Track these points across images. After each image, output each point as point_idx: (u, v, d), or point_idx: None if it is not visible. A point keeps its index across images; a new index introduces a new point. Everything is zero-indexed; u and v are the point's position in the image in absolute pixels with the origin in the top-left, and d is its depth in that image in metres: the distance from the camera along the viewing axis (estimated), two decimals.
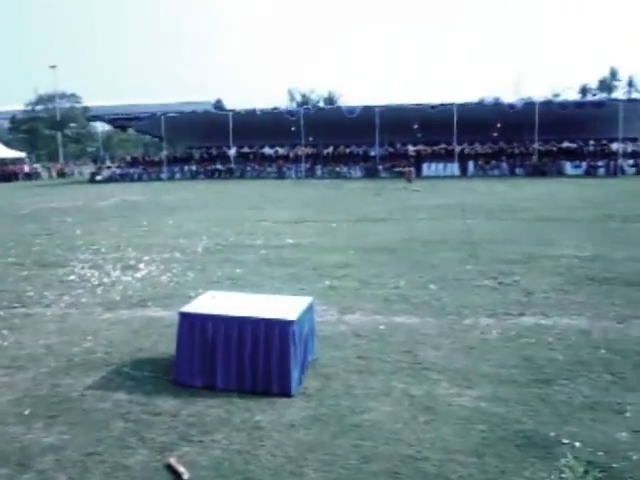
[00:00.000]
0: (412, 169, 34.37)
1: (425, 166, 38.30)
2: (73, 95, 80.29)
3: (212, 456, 3.98)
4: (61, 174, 50.26)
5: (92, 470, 3.85)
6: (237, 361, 4.93)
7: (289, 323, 4.83)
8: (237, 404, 4.73)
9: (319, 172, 39.18)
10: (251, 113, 39.02)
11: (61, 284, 9.09)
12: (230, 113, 40.06)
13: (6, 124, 76.38)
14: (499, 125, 38.96)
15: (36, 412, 4.70)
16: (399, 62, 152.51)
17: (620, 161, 34.93)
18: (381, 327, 6.58)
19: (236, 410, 4.63)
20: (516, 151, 39.28)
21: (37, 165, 57.70)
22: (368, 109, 36.91)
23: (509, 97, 61.76)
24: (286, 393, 4.82)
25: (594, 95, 75.60)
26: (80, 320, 7.18)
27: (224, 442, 4.15)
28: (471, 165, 38.08)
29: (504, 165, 37.62)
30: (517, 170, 36.82)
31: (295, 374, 4.90)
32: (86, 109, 76.46)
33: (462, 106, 36.23)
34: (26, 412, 4.70)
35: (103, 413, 4.65)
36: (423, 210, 17.84)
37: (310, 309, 5.45)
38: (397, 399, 4.78)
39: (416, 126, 39.93)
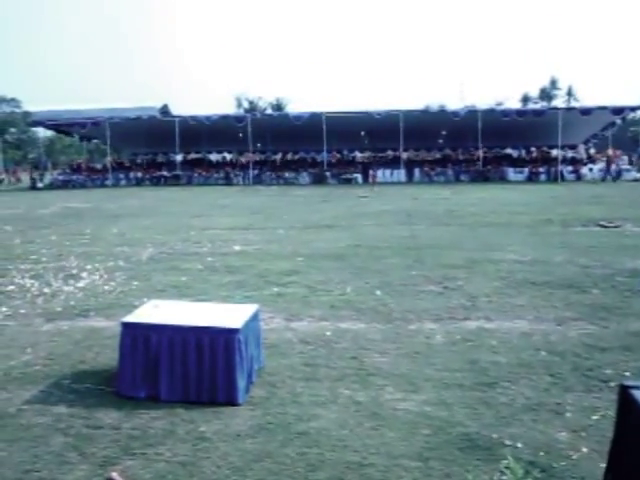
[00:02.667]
0: (375, 173, 34.90)
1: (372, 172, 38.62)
2: (13, 100, 78.10)
3: (155, 469, 3.91)
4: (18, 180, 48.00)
5: None
6: (182, 371, 4.86)
7: (234, 331, 4.79)
8: (181, 415, 4.67)
9: (267, 179, 39.06)
10: (198, 119, 38.66)
11: None
12: (176, 119, 39.60)
13: None
14: (444, 132, 39.63)
15: None
16: (346, 69, 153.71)
17: (560, 167, 35.94)
18: (327, 334, 6.60)
19: (180, 421, 4.57)
20: (461, 157, 40.00)
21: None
22: (315, 116, 37.02)
23: (454, 105, 63.02)
24: (232, 402, 4.78)
25: (535, 103, 77.78)
26: (18, 332, 6.96)
27: (168, 454, 4.09)
28: (417, 171, 38.59)
29: (449, 171, 38.26)
30: (462, 176, 37.51)
31: (241, 383, 4.86)
32: (27, 114, 74.46)
33: (408, 113, 36.69)
34: None
35: (42, 428, 4.51)
36: (370, 216, 17.98)
37: (256, 317, 5.42)
38: (343, 405, 4.79)
39: (363, 133, 40.25)
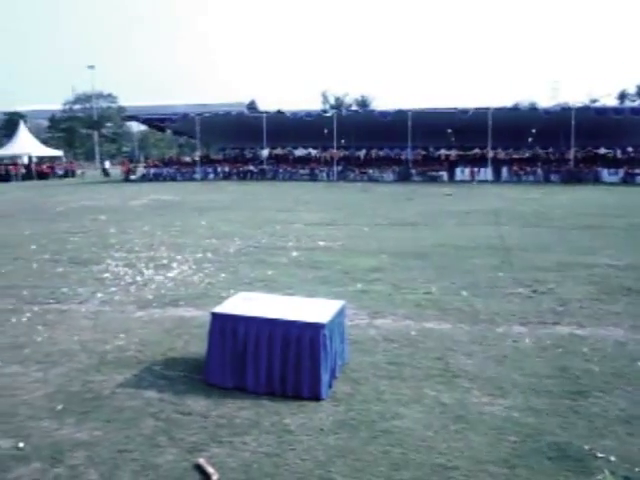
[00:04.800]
0: (475, 170, 34.71)
1: (458, 171, 37.97)
2: (110, 95, 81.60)
3: (241, 458, 3.98)
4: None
5: (122, 468, 3.88)
6: (267, 363, 4.93)
7: (320, 326, 4.81)
8: (267, 407, 4.73)
9: (351, 175, 39.12)
10: (285, 115, 39.15)
11: (95, 281, 9.21)
12: (264, 115, 40.24)
13: (45, 123, 77.79)
14: (534, 130, 38.45)
15: (69, 408, 4.75)
16: (434, 65, 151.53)
17: None
18: (412, 333, 6.53)
19: (265, 413, 4.63)
20: (551, 157, 38.75)
21: (107, 162, 58.60)
22: (401, 113, 36.71)
23: (545, 102, 60.99)
24: (316, 397, 4.81)
25: (632, 101, 74.15)
26: (113, 318, 7.26)
27: (253, 444, 4.15)
28: (505, 170, 37.63)
29: (539, 171, 37.09)
30: (552, 176, 36.28)
31: (325, 378, 4.88)
32: (122, 109, 77.62)
33: (497, 110, 35.81)
34: (59, 407, 4.76)
35: (134, 411, 4.68)
36: (455, 215, 17.69)
37: (341, 313, 5.43)
38: (428, 406, 4.73)
39: (449, 130, 39.64)
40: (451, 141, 41.85)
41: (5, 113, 72.98)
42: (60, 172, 51.96)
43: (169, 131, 50.50)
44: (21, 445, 4.16)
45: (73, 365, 5.71)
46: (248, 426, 4.42)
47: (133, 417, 4.58)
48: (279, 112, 39.38)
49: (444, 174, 37.59)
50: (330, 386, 5.02)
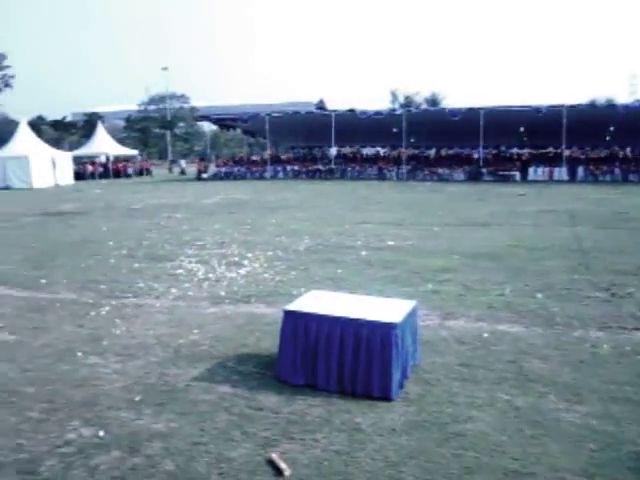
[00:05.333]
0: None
1: (531, 170, 37.01)
2: (182, 96, 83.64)
3: (313, 455, 4.01)
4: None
5: (197, 459, 3.97)
6: (338, 362, 4.94)
7: (392, 326, 4.79)
8: (337, 405, 4.75)
9: (420, 174, 38.74)
10: (353, 114, 39.14)
11: (170, 277, 9.47)
12: (332, 114, 40.34)
13: (121, 123, 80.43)
14: (612, 128, 37.07)
15: (146, 399, 4.91)
16: (507, 62, 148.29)
17: None
18: (485, 335, 6.41)
19: (336, 411, 4.65)
20: (630, 156, 37.26)
21: (183, 161, 60.49)
22: (472, 111, 36.09)
23: (623, 99, 58.71)
24: (387, 397, 4.79)
25: None
26: (187, 313, 7.45)
27: (324, 442, 4.17)
28: (581, 170, 36.41)
29: (617, 170, 35.70)
30: (631, 176, 34.85)
31: (396, 378, 4.86)
32: (194, 109, 79.42)
33: (572, 108, 34.70)
34: (136, 399, 4.92)
35: (208, 405, 4.79)
36: (529, 216, 17.26)
37: (413, 313, 5.39)
38: (502, 410, 4.64)
39: (522, 129, 38.69)
40: (523, 140, 40.83)
41: (85, 114, 75.84)
42: (134, 171, 53.60)
43: (239, 130, 51.34)
44: (101, 434, 4.32)
45: (150, 358, 5.88)
46: (319, 424, 4.44)
47: (207, 410, 4.69)
48: (350, 111, 39.37)
49: (516, 174, 36.71)
50: (401, 386, 4.99)
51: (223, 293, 8.39)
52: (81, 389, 5.14)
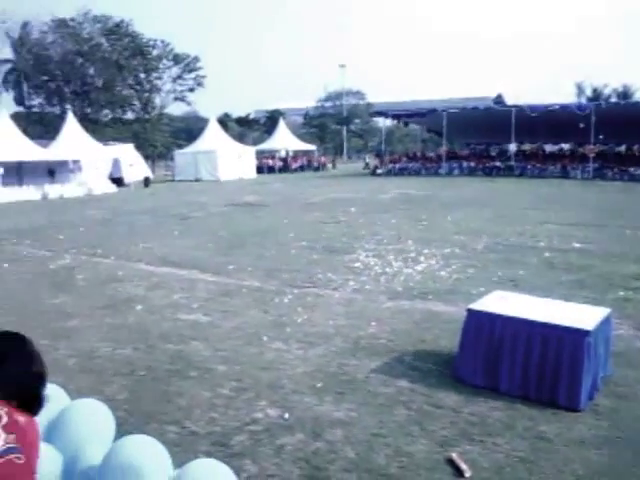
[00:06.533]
0: None
1: None
2: (358, 92, 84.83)
3: (494, 459, 3.89)
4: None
5: (377, 450, 4.01)
6: (523, 366, 4.76)
7: (585, 333, 4.51)
8: (520, 410, 4.57)
9: (609, 173, 36.04)
10: (536, 109, 37.33)
11: (347, 270, 9.68)
12: (513, 109, 38.79)
13: (300, 119, 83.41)
14: None
15: (327, 387, 5.05)
16: None
17: None
18: None
19: (519, 416, 4.47)
20: None
21: (367, 156, 61.89)
22: None
23: None
24: (574, 407, 4.53)
25: None
26: (364, 306, 7.56)
27: (506, 447, 4.04)
28: None
29: None
30: None
31: (586, 388, 4.58)
32: (369, 105, 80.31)
33: None
34: (318, 385, 5.08)
35: (386, 398, 4.83)
36: None
37: (607, 321, 5.04)
38: None
39: None
40: None
41: (267, 111, 79.58)
42: (312, 165, 55.45)
43: (415, 126, 51.13)
44: (286, 416, 4.52)
45: (329, 347, 6.05)
46: (501, 427, 4.30)
47: (386, 403, 4.73)
48: (530, 106, 37.66)
49: None
50: (591, 398, 4.69)
51: (400, 288, 8.41)
52: (267, 372, 5.42)
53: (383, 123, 69.32)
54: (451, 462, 3.85)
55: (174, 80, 62.60)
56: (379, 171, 44.60)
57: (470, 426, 4.33)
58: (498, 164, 40.31)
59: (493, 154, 43.05)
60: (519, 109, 38.21)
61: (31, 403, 2.07)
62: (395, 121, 54.22)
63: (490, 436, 4.19)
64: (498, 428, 4.30)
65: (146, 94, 60.57)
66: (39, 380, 2.11)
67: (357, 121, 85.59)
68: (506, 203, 20.63)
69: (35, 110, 57.03)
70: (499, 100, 68.56)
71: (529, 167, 39.07)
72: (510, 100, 61.56)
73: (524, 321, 4.75)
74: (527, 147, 42.28)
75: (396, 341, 6.17)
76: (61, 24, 54.37)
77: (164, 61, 61.38)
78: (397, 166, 45.28)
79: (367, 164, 56.43)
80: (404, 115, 48.22)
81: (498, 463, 3.85)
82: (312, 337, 6.37)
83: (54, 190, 30.86)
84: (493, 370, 4.90)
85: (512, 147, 40.17)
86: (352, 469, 3.80)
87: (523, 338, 4.72)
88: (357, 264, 10.09)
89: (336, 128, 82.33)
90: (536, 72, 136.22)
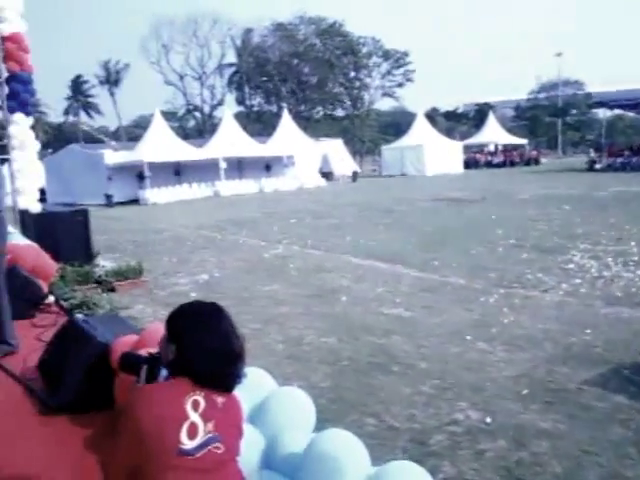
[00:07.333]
0: None
1: None
2: (576, 82, 79.51)
3: None
4: None
5: (587, 469, 3.71)
6: None
7: None
8: None
9: None
10: None
11: (559, 271, 9.11)
12: None
13: (510, 112, 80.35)
14: None
15: (533, 394, 4.78)
16: None
17: None
18: None
19: None
20: None
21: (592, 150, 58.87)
22: None
23: None
24: None
25: None
26: (578, 311, 7.06)
27: None
28: None
29: None
30: None
31: None
32: (588, 95, 74.95)
33: None
34: (524, 392, 4.83)
35: (600, 413, 4.45)
36: None
37: None
38: None
39: None
40: None
41: (476, 104, 77.74)
42: (522, 160, 53.15)
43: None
44: (488, 420, 4.35)
45: (537, 352, 5.73)
46: None
47: (599, 419, 4.36)
48: None
49: None
50: None
51: (619, 294, 7.71)
52: (469, 372, 5.27)
53: (603, 114, 64.47)
54: None
55: (383, 76, 63.69)
56: (597, 166, 41.44)
57: None
58: None
59: None
60: None
61: (225, 380, 2.11)
62: (617, 111, 50.18)
63: None
64: None
65: (355, 91, 62.29)
66: (232, 356, 2.13)
67: (574, 112, 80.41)
68: None
69: (254, 109, 61.36)
70: None
71: None
72: None
73: None
74: None
75: (613, 351, 5.66)
76: (280, 28, 57.84)
77: (374, 58, 62.68)
78: (618, 160, 41.66)
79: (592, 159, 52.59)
80: (627, 105, 44.31)
81: None
82: (519, 340, 6.08)
83: (269, 184, 33.01)
84: None
85: None
86: None
87: None
88: (570, 265, 9.45)
89: (550, 120, 78.07)
90: None
